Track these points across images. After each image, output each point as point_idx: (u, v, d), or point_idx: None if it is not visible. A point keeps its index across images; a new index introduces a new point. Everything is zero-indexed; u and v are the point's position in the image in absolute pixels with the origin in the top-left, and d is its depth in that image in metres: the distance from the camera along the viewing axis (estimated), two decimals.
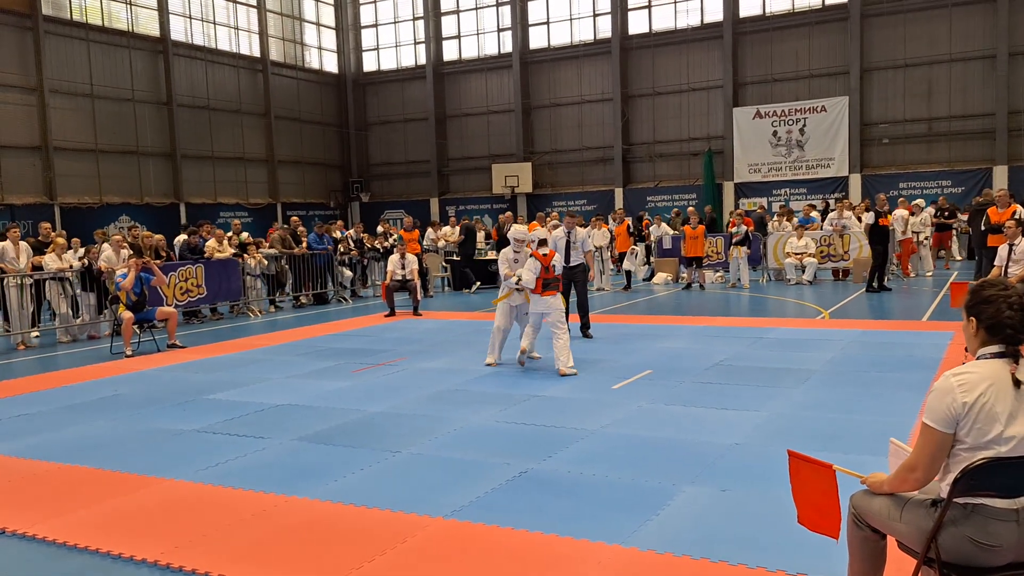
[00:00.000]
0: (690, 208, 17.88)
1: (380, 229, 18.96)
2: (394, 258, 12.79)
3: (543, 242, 7.13)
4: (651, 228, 18.17)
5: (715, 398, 6.06)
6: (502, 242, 18.25)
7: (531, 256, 7.07)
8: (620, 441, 5.00)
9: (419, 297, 12.46)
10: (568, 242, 8.99)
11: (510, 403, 6.10)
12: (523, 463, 4.60)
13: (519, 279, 7.25)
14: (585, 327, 9.14)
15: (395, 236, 17.23)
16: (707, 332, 9.63)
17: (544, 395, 6.37)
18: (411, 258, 12.83)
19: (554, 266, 7.08)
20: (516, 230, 7.24)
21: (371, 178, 32.09)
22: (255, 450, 5.08)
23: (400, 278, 12.57)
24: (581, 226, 9.24)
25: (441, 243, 17.17)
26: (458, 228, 17.86)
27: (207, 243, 13.05)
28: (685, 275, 15.72)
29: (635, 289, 15.65)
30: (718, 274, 16.73)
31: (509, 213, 19.72)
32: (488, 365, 7.46)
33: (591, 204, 27.46)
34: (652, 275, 17.10)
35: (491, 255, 17.49)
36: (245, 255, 13.45)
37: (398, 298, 14.06)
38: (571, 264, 9.01)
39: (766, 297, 14.12)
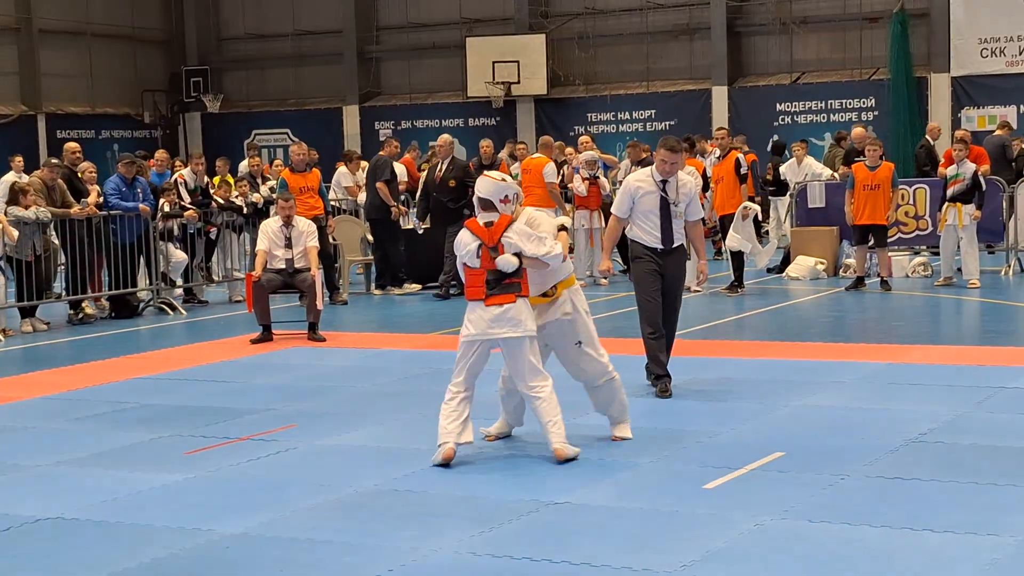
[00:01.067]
0: (858, 128, 17.92)
1: (245, 166, 18.99)
2: (272, 225, 12.84)
3: (487, 203, 7.27)
4: (784, 167, 18.30)
5: (909, 509, 6.12)
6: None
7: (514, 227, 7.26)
8: None
9: (320, 304, 12.53)
10: (664, 201, 8.93)
11: (500, 517, 6.17)
12: None
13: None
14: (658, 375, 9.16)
15: (274, 181, 17.28)
16: (895, 376, 9.69)
17: (566, 501, 6.44)
18: (304, 226, 12.92)
19: (505, 244, 7.14)
20: (484, 183, 7.37)
21: (224, 66, 32.21)
22: None
23: (284, 266, 12.63)
24: (667, 164, 8.93)
25: (365, 196, 17.21)
26: (424, 165, 18.29)
27: None
28: (853, 261, 15.79)
29: (752, 289, 15.76)
30: (918, 259, 16.83)
31: (488, 141, 19.83)
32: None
33: (665, 118, 27.64)
34: (786, 261, 17.18)
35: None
36: None
37: (281, 305, 14.08)
38: (670, 246, 9.00)
39: (1017, 306, 14.19)
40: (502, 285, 7.17)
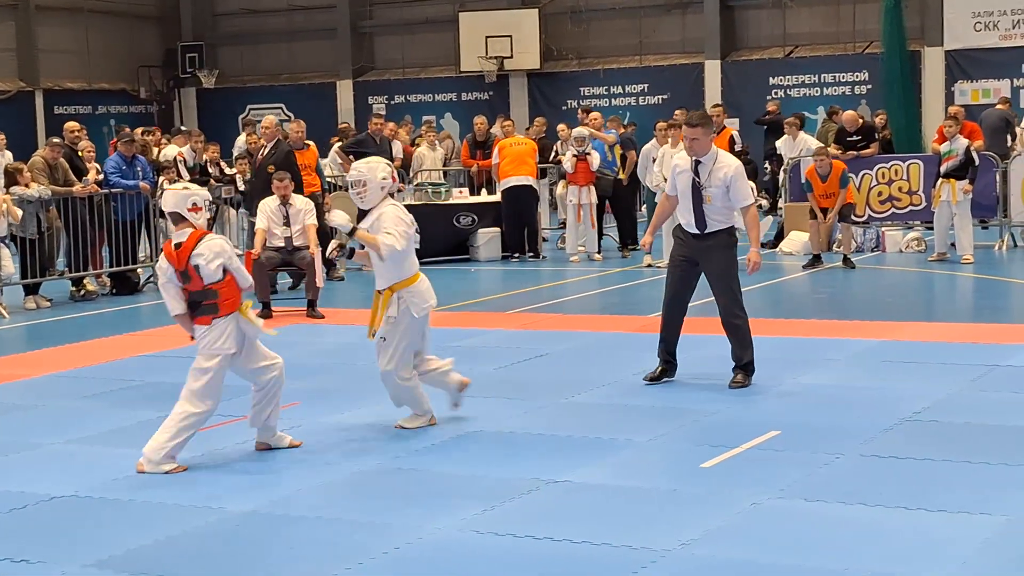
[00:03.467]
0: (849, 112, 17.95)
1: (243, 142, 18.98)
2: (270, 204, 12.90)
3: (176, 217, 6.89)
4: (779, 142, 18.36)
5: (903, 488, 6.17)
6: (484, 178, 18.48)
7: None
8: (718, 575, 5.11)
9: (319, 282, 12.61)
10: (696, 184, 8.50)
11: (502, 495, 6.26)
12: None
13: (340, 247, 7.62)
14: (744, 367, 8.70)
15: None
16: (889, 353, 9.75)
17: (566, 480, 6.52)
18: (302, 204, 12.98)
19: (197, 266, 6.80)
20: (167, 197, 7.07)
21: (219, 41, 32.11)
22: None
23: (283, 244, 12.70)
24: (688, 141, 8.54)
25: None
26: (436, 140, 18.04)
27: None
28: (839, 236, 15.86)
29: (745, 264, 15.76)
30: (912, 235, 16.95)
31: (483, 118, 19.88)
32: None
33: (659, 92, 27.63)
34: (780, 236, 17.28)
35: (460, 194, 17.71)
36: None
37: (280, 283, 14.15)
38: (703, 231, 8.56)
39: (1010, 282, 14.29)
40: (202, 307, 6.90)
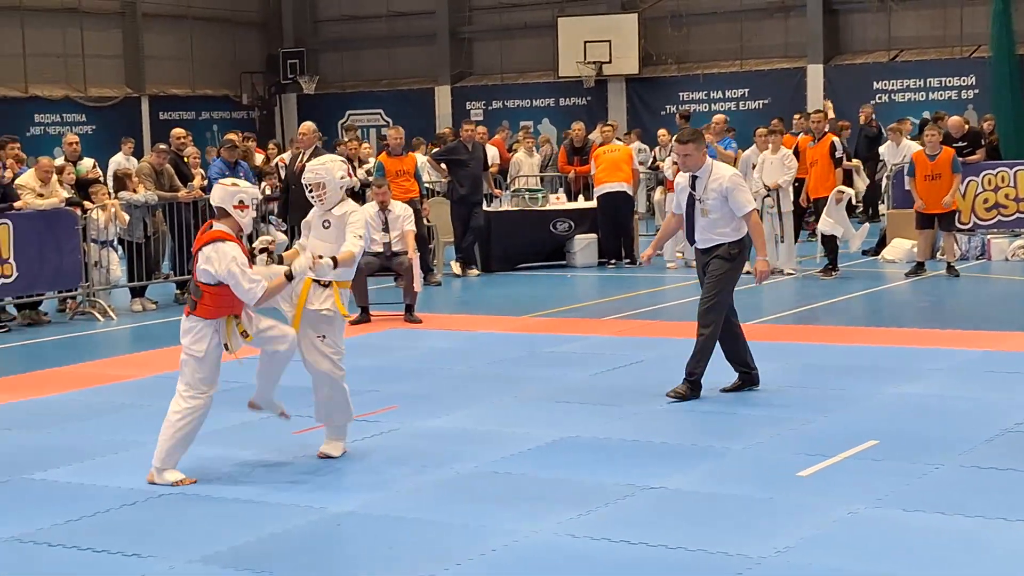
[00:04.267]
0: (956, 118, 17.64)
1: (344, 148, 19.26)
2: (368, 210, 13.07)
3: (221, 212, 6.85)
4: (882, 148, 18.16)
5: (1003, 499, 6.13)
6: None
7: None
8: None
9: (418, 287, 12.78)
10: (692, 198, 8.60)
11: (597, 500, 6.34)
12: None
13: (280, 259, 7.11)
14: (691, 380, 8.65)
15: (370, 163, 17.54)
16: (992, 364, 9.64)
17: (661, 486, 6.59)
18: (400, 210, 13.16)
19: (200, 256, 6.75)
20: (216, 191, 7.02)
21: (320, 47, 32.60)
22: None
23: (382, 250, 12.90)
24: (680, 157, 8.63)
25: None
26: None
27: (19, 179, 13.50)
28: (944, 245, 15.63)
29: (847, 272, 15.76)
30: (1018, 242, 16.66)
31: (580, 124, 19.93)
32: None
33: (759, 97, 27.43)
34: (882, 243, 17.09)
35: (557, 200, 17.79)
36: (87, 203, 13.89)
37: (380, 286, 14.40)
38: (692, 243, 8.85)
39: None
40: (188, 295, 7.06)
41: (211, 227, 6.89)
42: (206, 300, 6.82)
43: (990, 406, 8.15)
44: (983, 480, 6.51)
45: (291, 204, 14.47)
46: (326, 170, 7.23)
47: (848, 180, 17.84)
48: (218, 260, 6.69)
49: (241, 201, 6.87)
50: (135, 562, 5.56)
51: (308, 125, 15.05)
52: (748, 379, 8.82)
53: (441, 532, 5.91)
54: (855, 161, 18.34)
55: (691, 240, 8.71)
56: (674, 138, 8.73)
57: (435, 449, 7.47)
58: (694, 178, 8.54)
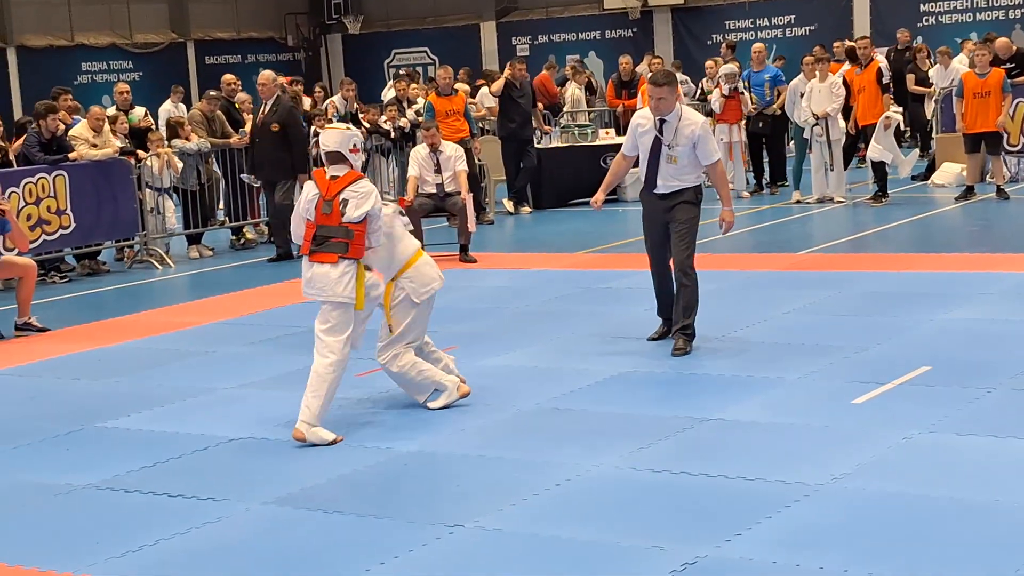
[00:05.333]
0: (1003, 39, 17.39)
1: (392, 92, 19.23)
2: (420, 152, 13.18)
3: (336, 156, 6.73)
4: (931, 71, 17.97)
5: None
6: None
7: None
8: (869, 507, 5.22)
9: (472, 227, 12.88)
10: (658, 141, 8.28)
11: (657, 434, 6.48)
12: (690, 547, 4.85)
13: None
14: (685, 330, 8.31)
15: (419, 104, 17.57)
16: None
17: (719, 418, 6.71)
18: (451, 150, 13.20)
19: (344, 201, 6.63)
20: (329, 135, 6.86)
21: None
22: (201, 523, 5.51)
23: (434, 191, 12.99)
24: (654, 100, 8.26)
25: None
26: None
27: (72, 130, 13.62)
28: (993, 168, 15.53)
29: (897, 198, 15.68)
30: None
31: (627, 57, 19.82)
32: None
33: (806, 24, 27.10)
34: (931, 168, 16.97)
35: (606, 136, 17.77)
36: (141, 152, 14.06)
37: (433, 226, 14.50)
38: (651, 190, 8.46)
39: None
40: (328, 243, 6.70)
41: (326, 173, 6.79)
42: (358, 240, 6.70)
43: None
44: None
45: (256, 158, 13.64)
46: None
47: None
48: (374, 197, 6.74)
49: (355, 144, 6.83)
50: (211, 505, 5.76)
51: (267, 74, 13.91)
52: (669, 329, 8.54)
53: (507, 469, 6.07)
54: (931, 87, 18.05)
55: (651, 186, 8.39)
56: (648, 79, 8.52)
57: (495, 387, 7.61)
58: (662, 122, 8.25)
